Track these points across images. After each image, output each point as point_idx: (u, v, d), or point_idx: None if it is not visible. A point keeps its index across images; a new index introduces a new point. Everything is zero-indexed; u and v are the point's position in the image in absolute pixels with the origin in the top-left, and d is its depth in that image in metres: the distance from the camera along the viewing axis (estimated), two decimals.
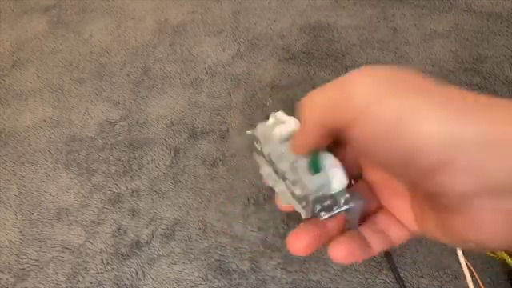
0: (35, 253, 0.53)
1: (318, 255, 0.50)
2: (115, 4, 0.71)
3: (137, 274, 0.51)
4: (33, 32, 0.70)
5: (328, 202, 0.23)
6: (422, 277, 0.48)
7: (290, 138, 0.23)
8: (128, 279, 0.50)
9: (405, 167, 0.16)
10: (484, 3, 0.64)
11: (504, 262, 0.47)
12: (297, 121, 0.24)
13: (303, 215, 0.23)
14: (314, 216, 0.23)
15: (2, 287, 0.51)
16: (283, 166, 0.23)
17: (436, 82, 0.17)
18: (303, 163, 0.23)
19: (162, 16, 0.69)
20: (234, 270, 0.50)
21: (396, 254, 0.49)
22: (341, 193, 0.23)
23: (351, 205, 0.22)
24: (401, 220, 0.23)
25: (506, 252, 0.46)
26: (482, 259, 0.48)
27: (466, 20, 0.63)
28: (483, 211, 0.15)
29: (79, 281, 0.51)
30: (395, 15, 0.64)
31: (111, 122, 0.61)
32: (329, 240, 0.23)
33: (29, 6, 0.72)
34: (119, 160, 0.58)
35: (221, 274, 0.50)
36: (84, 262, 0.52)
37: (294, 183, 0.23)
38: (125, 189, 0.56)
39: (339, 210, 0.23)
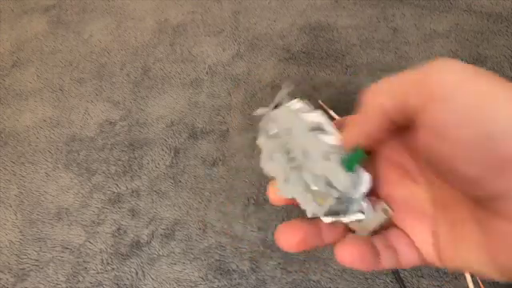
0: (35, 253, 0.53)
1: (318, 255, 0.50)
2: (115, 4, 0.71)
3: (137, 274, 0.51)
4: (33, 32, 0.70)
5: (343, 206, 0.21)
6: (422, 277, 0.48)
7: (318, 128, 0.22)
8: (128, 279, 0.50)
9: (477, 157, 0.15)
10: (484, 3, 0.64)
11: None
12: (321, 112, 0.23)
13: (311, 212, 0.22)
14: (324, 215, 0.22)
15: (2, 287, 0.51)
16: (310, 156, 0.22)
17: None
18: (336, 157, 0.21)
19: (162, 16, 0.69)
20: (233, 270, 0.50)
21: None
22: (359, 199, 0.21)
23: (362, 216, 0.21)
24: (415, 243, 0.21)
25: None
26: None
27: (466, 20, 0.63)
28: None
29: (79, 281, 0.51)
30: (395, 15, 0.64)
31: (111, 122, 0.61)
32: (322, 243, 0.22)
33: (29, 5, 0.72)
34: (119, 160, 0.58)
35: (221, 273, 0.50)
36: (84, 261, 0.52)
37: (317, 176, 0.21)
38: (125, 189, 0.56)
39: (352, 218, 0.21)
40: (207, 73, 0.63)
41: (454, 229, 0.19)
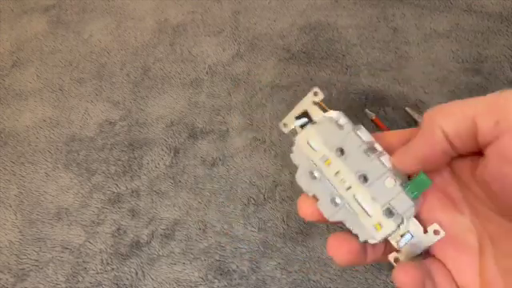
0: (35, 253, 0.53)
1: (318, 255, 0.50)
2: (115, 4, 0.71)
3: (136, 274, 0.51)
4: (33, 32, 0.70)
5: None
6: None
7: (371, 147, 0.21)
8: (128, 279, 0.50)
9: None
10: (484, 3, 0.63)
11: None
12: (364, 128, 0.22)
13: (365, 238, 0.20)
14: (379, 242, 0.20)
15: (1, 287, 0.51)
16: (368, 180, 0.20)
17: None
18: (397, 182, 0.20)
19: (161, 16, 0.69)
20: (233, 270, 0.50)
21: None
22: (409, 220, 0.20)
23: (411, 238, 0.20)
24: (454, 275, 0.20)
25: None
26: None
27: (467, 20, 0.63)
28: None
29: (79, 281, 0.51)
30: (395, 15, 0.64)
31: (111, 122, 0.61)
32: (365, 262, 0.21)
33: (29, 5, 0.72)
34: (119, 160, 0.57)
35: (221, 274, 0.50)
36: (84, 262, 0.52)
37: (376, 201, 0.20)
38: (124, 189, 0.56)
39: (402, 240, 0.20)
40: (207, 73, 0.63)
41: (505, 262, 0.18)
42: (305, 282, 0.48)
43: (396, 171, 0.20)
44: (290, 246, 0.50)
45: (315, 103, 0.23)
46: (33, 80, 0.65)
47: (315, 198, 0.22)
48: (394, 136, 0.22)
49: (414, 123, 0.55)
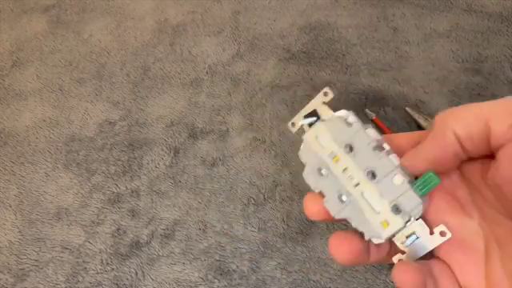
0: (35, 253, 0.53)
1: (318, 255, 0.49)
2: (115, 4, 0.71)
3: (136, 274, 0.50)
4: (32, 32, 0.70)
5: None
6: None
7: (380, 146, 0.21)
8: (128, 279, 0.50)
9: None
10: (484, 3, 0.63)
11: None
12: (373, 127, 0.21)
13: (370, 235, 0.20)
14: (385, 240, 0.20)
15: (1, 287, 0.51)
16: (376, 177, 0.20)
17: None
18: (406, 180, 0.20)
19: (161, 16, 0.69)
20: (233, 271, 0.50)
21: None
22: (414, 221, 0.20)
23: (416, 238, 0.20)
24: (458, 277, 0.20)
25: None
26: None
27: (467, 20, 0.63)
28: None
29: (79, 281, 0.51)
30: (395, 15, 0.64)
31: (111, 122, 0.61)
32: (368, 261, 0.21)
33: (28, 5, 0.72)
34: (119, 160, 0.57)
35: (221, 274, 0.50)
36: (83, 262, 0.52)
37: (384, 199, 0.20)
38: (124, 189, 0.55)
39: (406, 240, 0.20)
40: (207, 73, 0.63)
41: (511, 265, 0.18)
42: (305, 282, 0.48)
43: (404, 170, 0.20)
44: (290, 246, 0.50)
45: (325, 103, 0.23)
46: (32, 80, 0.65)
47: (322, 196, 0.22)
48: (403, 138, 0.22)
49: (414, 123, 0.55)
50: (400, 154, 0.21)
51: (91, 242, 0.53)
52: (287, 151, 0.56)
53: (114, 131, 0.60)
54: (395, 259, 0.21)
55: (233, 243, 0.51)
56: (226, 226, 0.52)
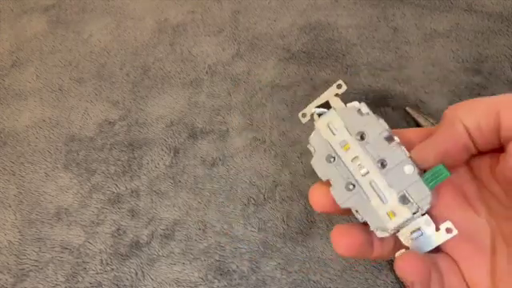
0: (34, 253, 0.53)
1: (318, 255, 0.49)
2: (115, 4, 0.71)
3: (136, 274, 0.50)
4: (32, 32, 0.70)
5: (406, 222, 0.20)
6: None
7: (391, 137, 0.20)
8: (127, 279, 0.50)
9: None
10: (485, 3, 0.63)
11: None
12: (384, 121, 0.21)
13: (376, 225, 0.20)
14: (392, 231, 0.20)
15: (1, 287, 0.51)
16: (386, 167, 0.20)
17: None
18: (416, 171, 0.20)
19: (161, 16, 0.69)
20: (233, 271, 0.50)
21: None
22: (420, 216, 0.20)
23: (421, 233, 0.19)
24: (464, 273, 0.20)
25: None
26: None
27: (467, 20, 0.62)
28: None
29: (78, 281, 0.51)
30: (395, 15, 0.64)
31: (110, 122, 0.60)
32: (371, 256, 0.20)
33: (28, 5, 0.72)
34: (118, 160, 0.57)
35: (221, 274, 0.50)
36: (83, 262, 0.52)
37: (393, 188, 0.20)
38: (124, 189, 0.55)
39: (411, 235, 0.20)
40: (207, 72, 0.63)
41: None
42: (305, 282, 0.48)
43: (414, 163, 0.20)
44: (290, 246, 0.50)
45: (337, 95, 0.23)
46: (32, 80, 0.65)
47: (329, 185, 0.22)
48: (412, 132, 0.22)
49: (414, 123, 0.55)
50: (409, 148, 0.21)
51: (91, 242, 0.53)
52: (287, 151, 0.56)
53: (114, 131, 0.60)
54: (398, 254, 0.20)
55: (233, 243, 0.51)
56: (225, 226, 0.52)
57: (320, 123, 0.22)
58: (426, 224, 0.20)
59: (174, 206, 0.54)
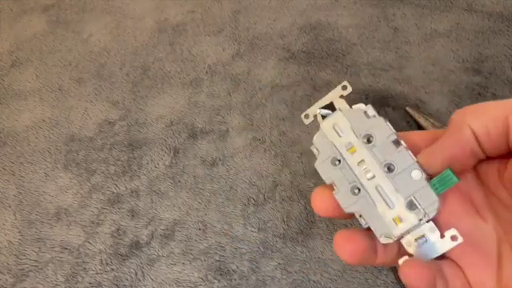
0: (34, 253, 0.53)
1: (318, 255, 0.49)
2: (114, 4, 0.71)
3: (136, 274, 0.50)
4: (32, 31, 0.70)
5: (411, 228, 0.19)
6: None
7: (398, 141, 0.20)
8: (127, 280, 0.50)
9: None
10: (485, 3, 0.63)
11: None
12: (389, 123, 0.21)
13: (381, 231, 0.19)
14: (397, 237, 0.19)
15: (0, 287, 0.51)
16: (394, 171, 0.20)
17: None
18: (423, 176, 0.19)
19: (161, 15, 0.69)
20: (233, 271, 0.50)
21: None
22: (425, 223, 0.19)
23: (425, 240, 0.19)
24: (470, 280, 0.19)
25: None
26: None
27: (467, 19, 0.62)
28: None
29: (78, 281, 0.51)
30: (396, 15, 0.64)
31: (110, 122, 0.60)
32: (374, 262, 0.20)
33: (28, 5, 0.72)
34: (118, 160, 0.57)
35: (221, 274, 0.50)
36: (83, 262, 0.52)
37: (400, 194, 0.19)
38: (124, 189, 0.55)
39: (414, 243, 0.19)
40: (207, 72, 0.63)
41: None
42: (305, 282, 0.48)
43: (422, 167, 0.20)
44: (290, 247, 0.50)
45: (342, 97, 0.22)
46: (32, 80, 0.65)
47: (332, 189, 0.21)
48: (417, 136, 0.22)
49: (414, 123, 0.55)
50: (414, 151, 0.20)
51: (91, 242, 0.53)
52: (287, 151, 0.56)
53: (114, 131, 0.60)
54: (401, 261, 0.20)
55: (233, 243, 0.51)
56: (225, 227, 0.52)
57: (325, 124, 0.21)
58: (430, 231, 0.20)
59: (173, 206, 0.54)
